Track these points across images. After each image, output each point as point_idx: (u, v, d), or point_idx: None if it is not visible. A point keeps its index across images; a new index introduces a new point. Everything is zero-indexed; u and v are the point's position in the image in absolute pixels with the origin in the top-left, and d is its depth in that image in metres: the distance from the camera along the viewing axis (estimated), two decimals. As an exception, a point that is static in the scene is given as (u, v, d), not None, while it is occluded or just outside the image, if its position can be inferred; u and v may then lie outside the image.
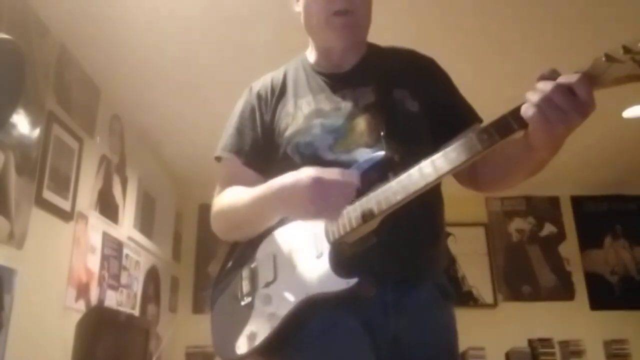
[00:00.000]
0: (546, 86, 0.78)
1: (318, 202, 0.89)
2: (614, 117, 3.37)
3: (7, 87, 2.03)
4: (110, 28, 2.42)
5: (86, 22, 2.37)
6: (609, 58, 0.75)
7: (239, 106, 1.22)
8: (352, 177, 0.91)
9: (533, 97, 0.79)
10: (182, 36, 2.50)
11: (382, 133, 1.04)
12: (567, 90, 0.76)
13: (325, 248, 0.96)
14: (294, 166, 1.03)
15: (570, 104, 0.76)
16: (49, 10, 2.26)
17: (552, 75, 0.80)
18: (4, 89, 2.01)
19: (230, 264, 1.14)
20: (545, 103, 0.77)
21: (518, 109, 0.82)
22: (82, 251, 2.59)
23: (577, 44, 2.50)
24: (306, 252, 0.98)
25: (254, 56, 2.55)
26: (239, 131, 1.18)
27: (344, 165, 1.00)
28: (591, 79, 0.77)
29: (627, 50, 0.74)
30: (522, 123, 0.82)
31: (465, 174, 1.07)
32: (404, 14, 2.34)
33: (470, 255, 4.49)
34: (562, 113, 0.77)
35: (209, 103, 3.03)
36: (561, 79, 0.78)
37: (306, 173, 0.91)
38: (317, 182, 0.89)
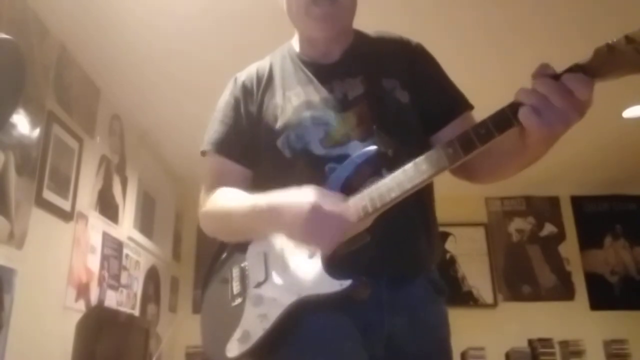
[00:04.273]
0: (544, 87, 0.75)
1: (312, 231, 0.87)
2: (614, 117, 3.37)
3: (7, 87, 2.03)
4: (110, 28, 2.42)
5: (86, 22, 2.37)
6: (611, 48, 0.72)
7: (223, 98, 1.19)
8: (352, 214, 0.88)
9: (530, 99, 0.75)
10: (183, 36, 2.50)
11: (374, 126, 1.01)
12: (567, 91, 0.73)
13: None
14: (283, 160, 1.01)
15: (570, 105, 0.74)
16: (49, 10, 2.26)
17: (546, 70, 0.76)
18: (4, 89, 2.01)
19: (219, 262, 1.11)
20: (544, 105, 0.74)
21: (517, 103, 0.78)
22: (82, 251, 2.59)
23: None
24: (298, 252, 0.95)
25: (255, 55, 2.53)
26: (224, 124, 1.15)
27: (336, 159, 0.98)
28: (592, 71, 0.73)
29: (630, 40, 0.70)
30: None
31: (458, 166, 1.07)
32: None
33: (470, 255, 4.49)
34: (561, 114, 0.74)
35: (210, 103, 2.99)
36: (562, 79, 0.74)
37: (308, 198, 0.88)
38: (316, 210, 0.87)
